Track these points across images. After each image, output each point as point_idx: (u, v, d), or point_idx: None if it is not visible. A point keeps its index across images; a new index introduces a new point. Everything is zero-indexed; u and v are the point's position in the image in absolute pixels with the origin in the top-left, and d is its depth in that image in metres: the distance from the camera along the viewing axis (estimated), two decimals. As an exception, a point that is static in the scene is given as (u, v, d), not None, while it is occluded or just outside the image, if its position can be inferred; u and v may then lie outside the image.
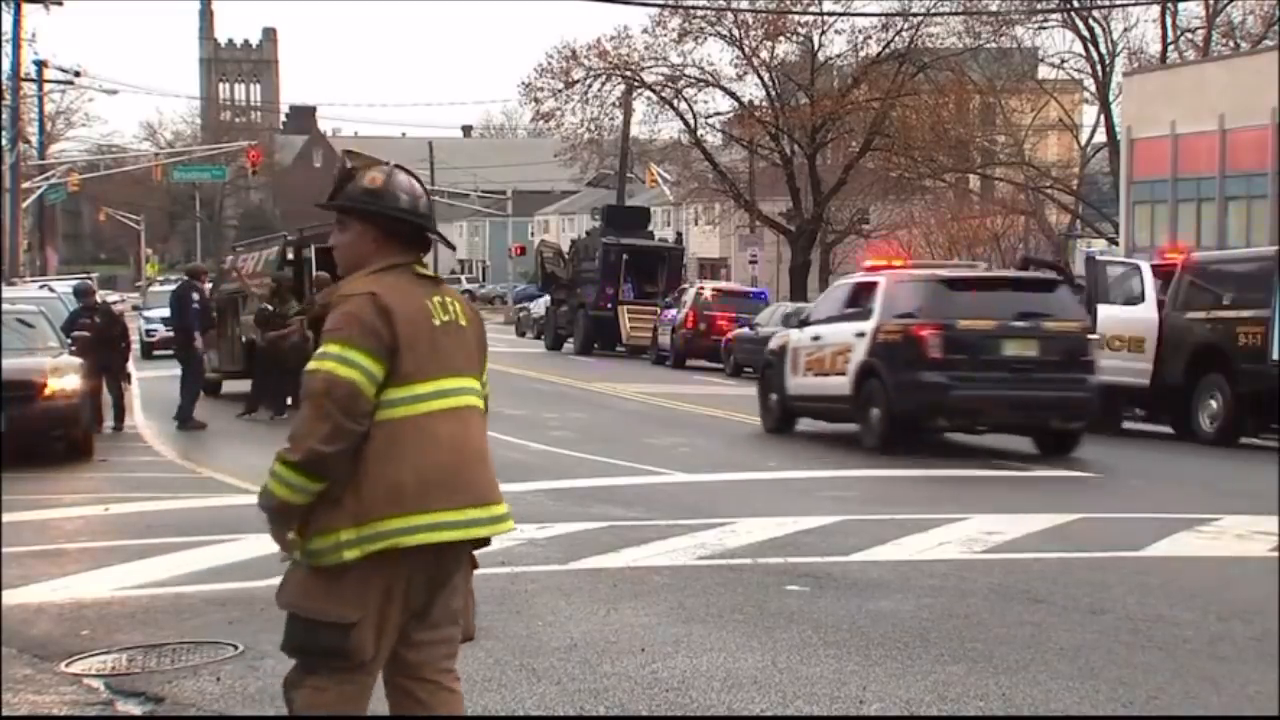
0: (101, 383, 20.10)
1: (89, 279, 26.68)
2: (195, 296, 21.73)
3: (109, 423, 20.37)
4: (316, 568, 4.48)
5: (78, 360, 17.56)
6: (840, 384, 18.39)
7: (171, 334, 24.29)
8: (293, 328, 22.08)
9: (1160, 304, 21.01)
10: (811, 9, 50.94)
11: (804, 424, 20.25)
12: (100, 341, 19.74)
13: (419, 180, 4.83)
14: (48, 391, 16.30)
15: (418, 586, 4.55)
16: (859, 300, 18.99)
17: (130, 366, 21.55)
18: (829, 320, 19.45)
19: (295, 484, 4.45)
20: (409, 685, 4.64)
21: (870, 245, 51.34)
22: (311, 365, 4.48)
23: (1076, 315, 18.26)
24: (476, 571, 4.80)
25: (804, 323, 20.44)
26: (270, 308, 22.43)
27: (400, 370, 4.50)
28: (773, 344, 21.30)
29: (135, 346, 40.30)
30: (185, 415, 20.62)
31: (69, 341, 18.49)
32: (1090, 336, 18.10)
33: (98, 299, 22.06)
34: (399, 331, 4.49)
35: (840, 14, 51.40)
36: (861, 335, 18.10)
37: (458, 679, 4.74)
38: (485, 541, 4.72)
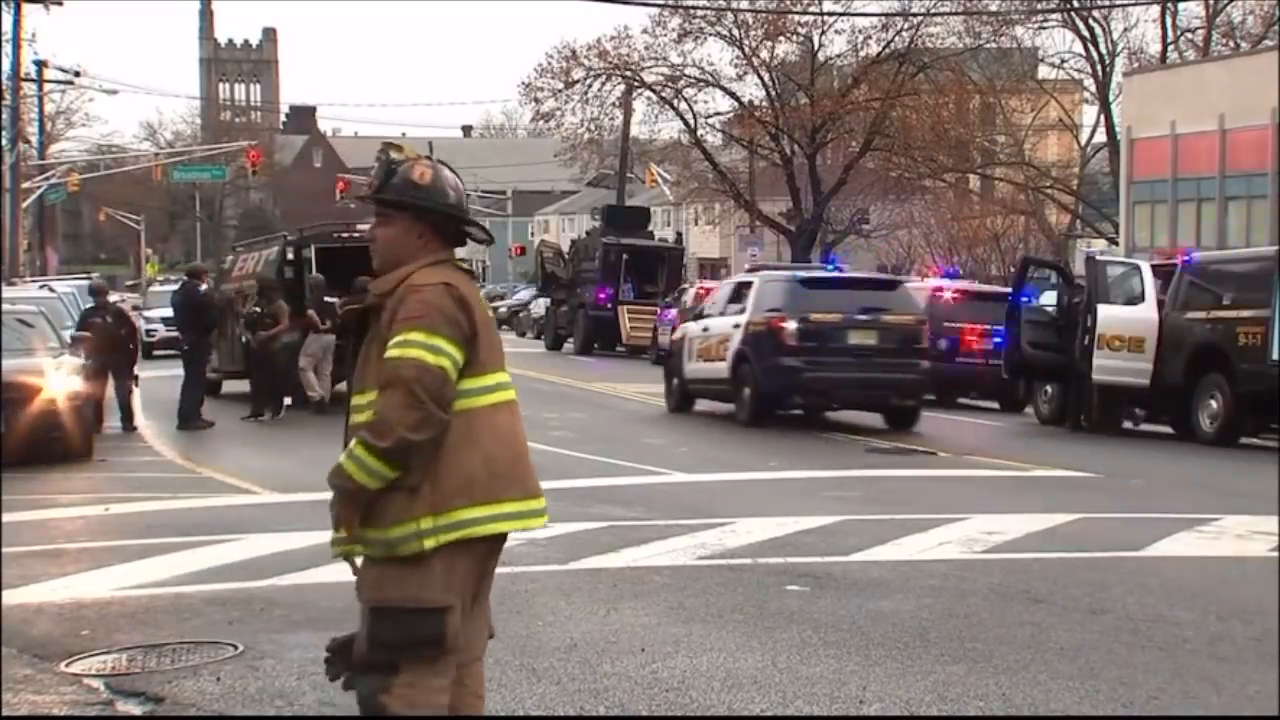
0: (107, 383, 20.10)
1: (98, 278, 26.54)
2: (197, 297, 21.73)
3: (115, 423, 20.36)
4: (395, 559, 4.44)
5: (78, 360, 17.55)
6: (722, 369, 21.27)
7: (174, 334, 24.31)
8: (282, 326, 22.08)
9: (1160, 304, 21.00)
10: (811, 9, 50.95)
11: (701, 404, 22.72)
12: (107, 342, 19.72)
13: (456, 174, 4.84)
14: (47, 392, 16.29)
15: (476, 576, 4.60)
16: (739, 297, 21.95)
17: (136, 369, 21.50)
18: (716, 315, 22.31)
19: (375, 470, 4.40)
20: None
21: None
22: (395, 352, 4.42)
23: (912, 310, 21.24)
24: None
25: (698, 316, 23.21)
26: (259, 309, 22.42)
27: (476, 360, 4.54)
28: (675, 334, 24.40)
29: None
30: (187, 416, 20.60)
31: (71, 340, 18.45)
32: (923, 327, 20.88)
33: (110, 298, 22.00)
34: (476, 321, 4.53)
35: (840, 14, 51.43)
36: (738, 327, 21.02)
37: (483, 681, 4.77)
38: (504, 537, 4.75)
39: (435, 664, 4.48)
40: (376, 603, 4.49)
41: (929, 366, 20.97)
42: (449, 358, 4.42)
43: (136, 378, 21.29)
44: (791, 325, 20.00)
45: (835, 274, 24.60)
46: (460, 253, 4.83)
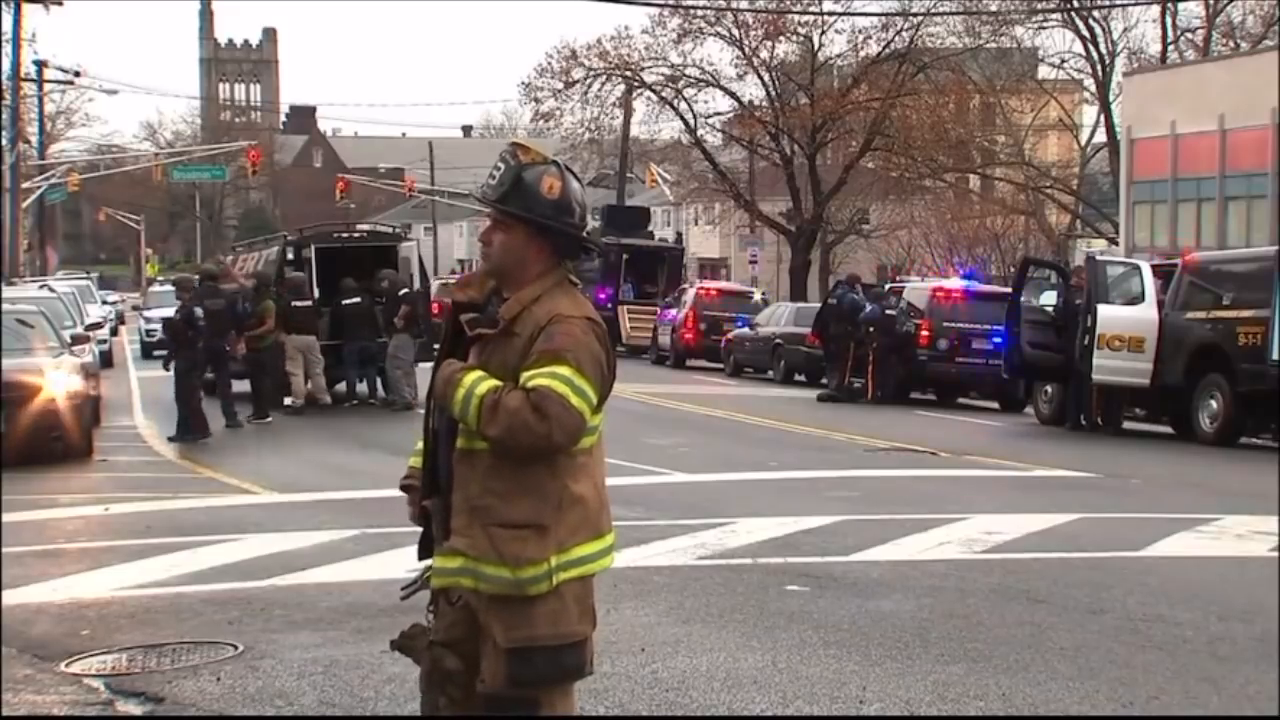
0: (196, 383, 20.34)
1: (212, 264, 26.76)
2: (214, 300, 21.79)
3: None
4: (534, 597, 4.32)
5: (77, 360, 17.55)
6: None
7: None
8: (266, 326, 22.06)
9: (1160, 304, 21.00)
10: (811, 9, 50.93)
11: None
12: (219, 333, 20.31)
13: (580, 181, 4.63)
14: (47, 392, 16.29)
15: (593, 606, 4.56)
16: None
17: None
18: None
19: (468, 417, 4.26)
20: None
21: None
22: (544, 382, 4.24)
23: None
24: None
25: None
26: (248, 307, 22.39)
27: (602, 397, 4.43)
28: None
29: (135, 346, 40.58)
30: (232, 412, 20.84)
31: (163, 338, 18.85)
32: None
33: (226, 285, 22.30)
34: (613, 361, 4.45)
35: (840, 14, 51.45)
36: None
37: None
38: None
39: (570, 686, 4.51)
40: (518, 643, 4.34)
41: None
42: (588, 401, 4.31)
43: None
44: None
45: None
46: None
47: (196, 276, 22.38)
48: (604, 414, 4.46)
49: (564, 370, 4.26)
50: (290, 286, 23.12)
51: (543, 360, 4.26)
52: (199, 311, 19.60)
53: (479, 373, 4.32)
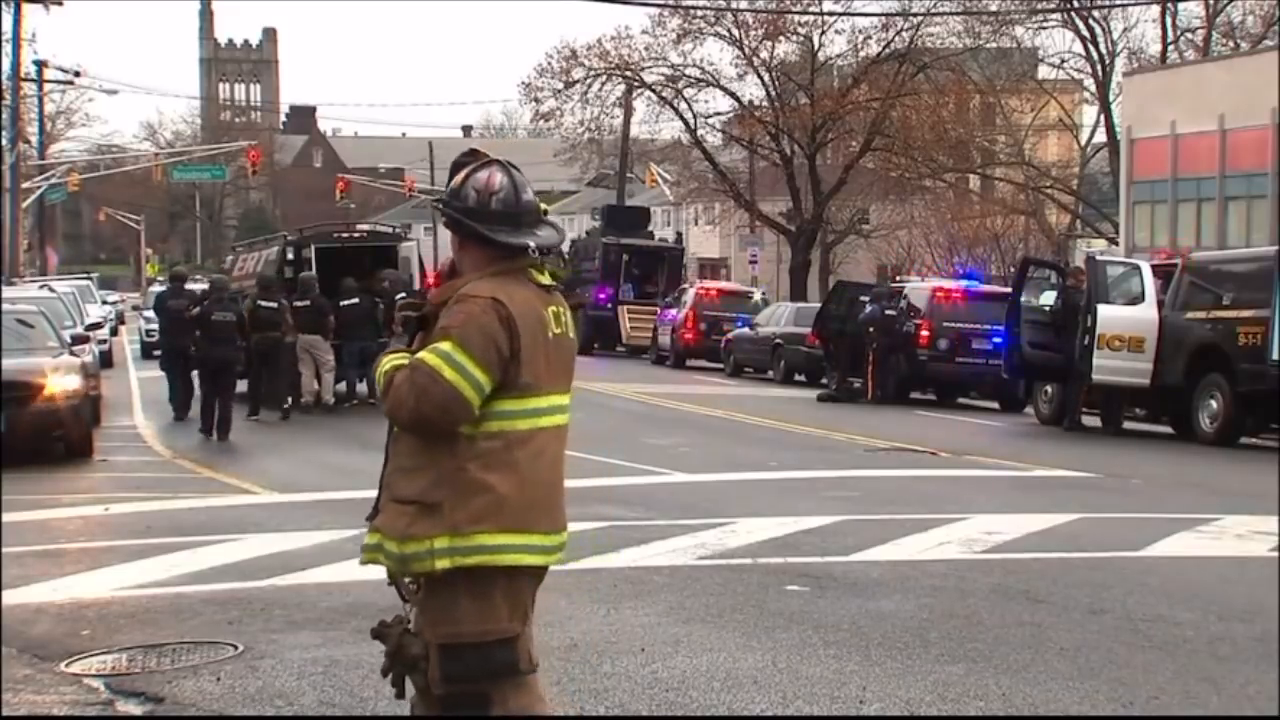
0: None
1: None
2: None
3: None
4: (460, 593, 4.33)
5: (77, 360, 17.54)
6: None
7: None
8: (287, 326, 22.07)
9: (1160, 304, 21.00)
10: (811, 9, 50.94)
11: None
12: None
13: (514, 174, 4.57)
14: (47, 392, 16.28)
15: (528, 603, 4.51)
16: None
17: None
18: None
19: (379, 395, 4.55)
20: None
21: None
22: (421, 354, 4.33)
23: None
24: None
25: None
26: (262, 306, 22.38)
27: (518, 382, 4.37)
28: None
29: (135, 346, 40.57)
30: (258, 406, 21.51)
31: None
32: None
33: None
34: (520, 343, 4.36)
35: (840, 14, 51.45)
36: None
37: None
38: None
39: (519, 679, 4.45)
40: (450, 640, 4.36)
41: None
42: (467, 377, 4.29)
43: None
44: None
45: None
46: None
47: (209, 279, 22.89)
48: (546, 402, 4.45)
49: (445, 345, 4.32)
50: (305, 286, 23.15)
51: (435, 337, 4.37)
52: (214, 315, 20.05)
53: (396, 354, 4.45)
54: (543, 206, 4.62)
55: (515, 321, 4.36)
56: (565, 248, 49.21)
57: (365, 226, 30.39)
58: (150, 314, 39.80)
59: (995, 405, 26.96)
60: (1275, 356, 18.83)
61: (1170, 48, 54.45)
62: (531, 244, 4.51)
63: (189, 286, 24.57)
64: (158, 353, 24.88)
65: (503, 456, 4.35)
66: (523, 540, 4.37)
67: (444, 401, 4.28)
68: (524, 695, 4.45)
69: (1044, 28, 55.75)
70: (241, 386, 21.61)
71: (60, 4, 48.56)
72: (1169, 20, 54.17)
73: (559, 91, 53.33)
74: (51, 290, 25.88)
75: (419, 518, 4.32)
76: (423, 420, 4.32)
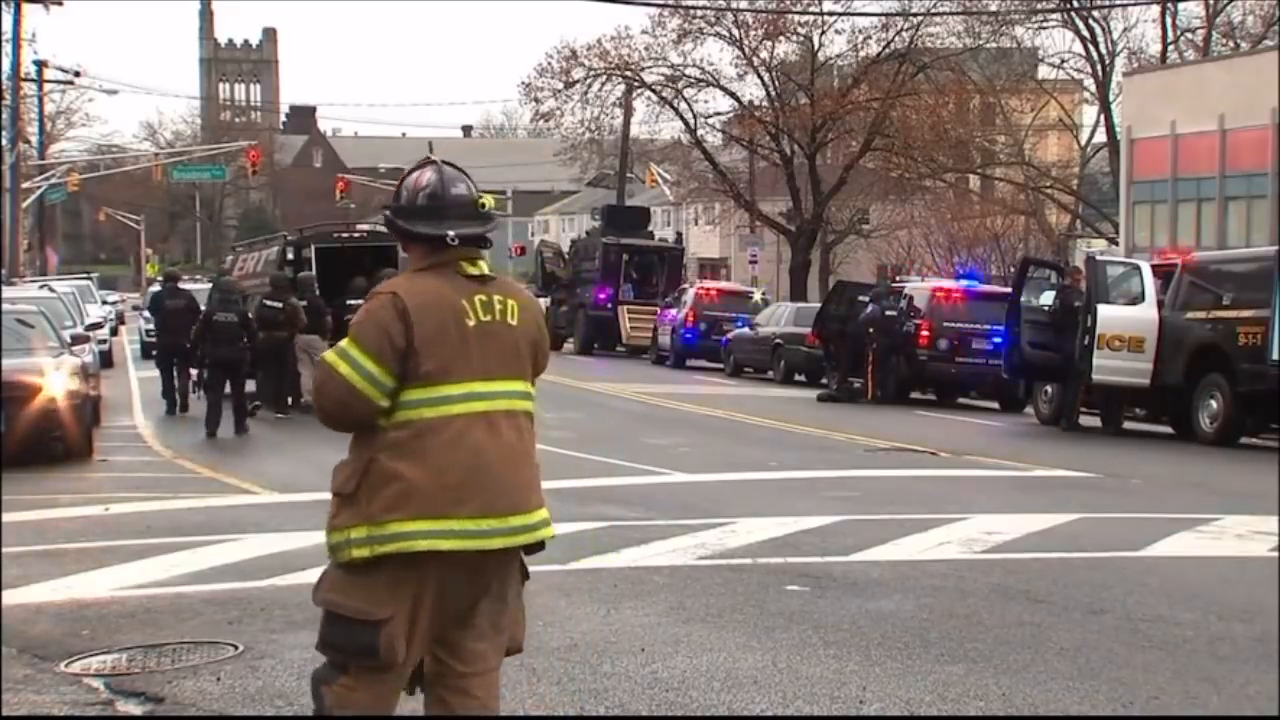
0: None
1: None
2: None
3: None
4: (349, 566, 4.44)
5: (77, 360, 17.54)
6: None
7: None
8: (297, 325, 22.06)
9: (1160, 304, 21.00)
10: (811, 9, 50.95)
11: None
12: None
13: (445, 171, 4.67)
14: (47, 392, 16.28)
15: (454, 592, 4.49)
16: None
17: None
18: None
19: None
20: (441, 694, 4.60)
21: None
22: (324, 353, 4.59)
23: None
24: None
25: None
26: (275, 305, 22.36)
27: (419, 372, 4.43)
28: None
29: (135, 346, 40.56)
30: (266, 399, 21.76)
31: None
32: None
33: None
34: (416, 333, 4.42)
35: (840, 14, 51.50)
36: None
37: (497, 694, 4.68)
38: (539, 546, 4.67)
39: (380, 674, 4.46)
40: (322, 604, 4.53)
41: None
42: (358, 370, 4.41)
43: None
44: None
45: None
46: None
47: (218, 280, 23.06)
48: (460, 389, 4.47)
49: (343, 341, 4.52)
50: (303, 285, 23.15)
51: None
52: (219, 317, 20.30)
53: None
54: (483, 201, 4.69)
55: (411, 313, 4.45)
56: (565, 248, 49.32)
57: (365, 226, 30.35)
58: (149, 314, 39.90)
59: (995, 405, 26.96)
60: (1275, 356, 18.83)
61: (1170, 48, 54.46)
62: (450, 234, 4.57)
63: (184, 286, 24.83)
64: (156, 352, 25.06)
65: (412, 445, 4.42)
66: (440, 526, 4.39)
67: (340, 395, 4.45)
68: (373, 688, 4.48)
69: (1044, 28, 55.82)
70: (250, 386, 21.61)
71: (60, 4, 48.62)
72: (1169, 20, 54.22)
73: (559, 91, 53.37)
74: (51, 290, 25.88)
75: (341, 509, 4.47)
76: (328, 415, 4.52)
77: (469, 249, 4.62)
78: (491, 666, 4.63)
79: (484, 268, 4.65)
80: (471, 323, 4.51)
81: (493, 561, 4.53)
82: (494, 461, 4.49)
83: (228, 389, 20.05)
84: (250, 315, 21.14)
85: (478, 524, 4.44)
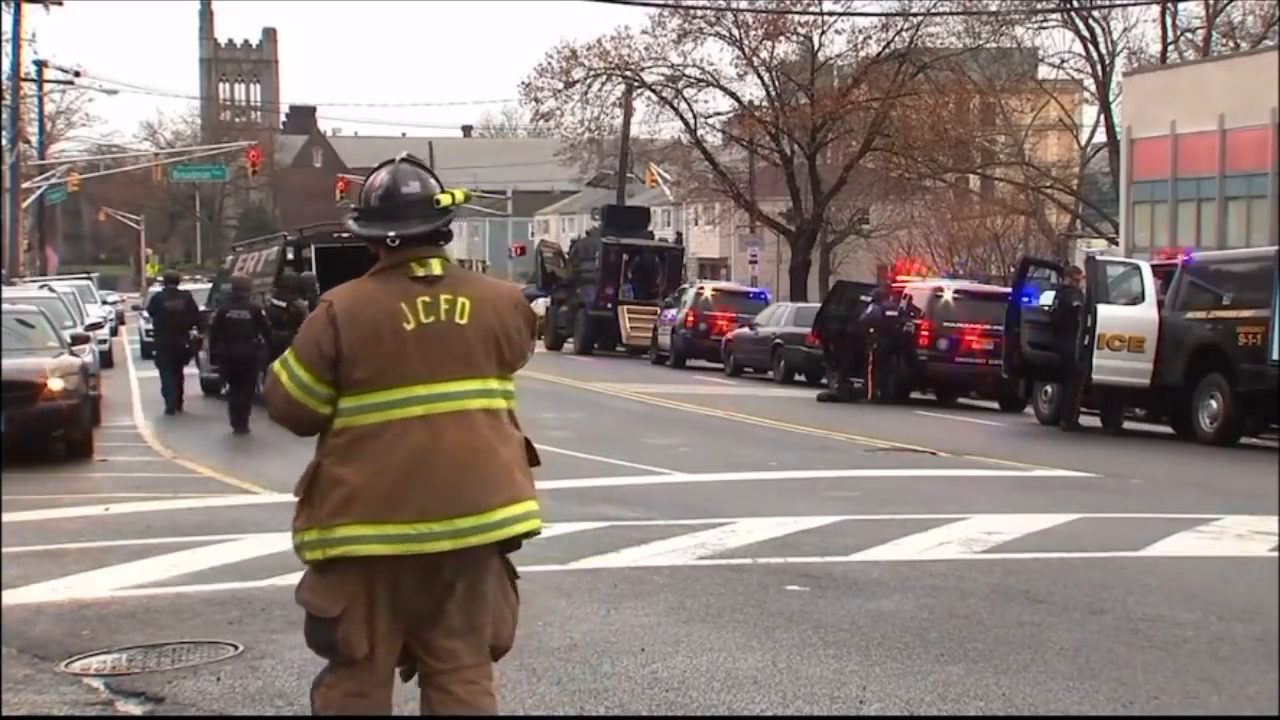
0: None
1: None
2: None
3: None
4: (313, 566, 4.57)
5: (77, 360, 17.54)
6: None
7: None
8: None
9: (1160, 304, 21.00)
10: (811, 9, 50.96)
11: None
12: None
13: (400, 170, 4.66)
14: (48, 391, 16.28)
15: (410, 591, 4.48)
16: None
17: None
18: None
19: None
20: (427, 692, 4.63)
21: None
22: (274, 362, 4.64)
23: None
24: None
25: None
26: (283, 304, 22.32)
27: (351, 378, 4.45)
28: None
29: (135, 346, 40.57)
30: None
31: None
32: None
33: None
34: (344, 341, 4.43)
35: (840, 14, 51.52)
36: None
37: (483, 691, 4.64)
38: (514, 544, 4.63)
39: (350, 669, 4.51)
40: (300, 603, 4.62)
41: None
42: (295, 379, 4.49)
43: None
44: None
45: None
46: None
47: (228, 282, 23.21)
48: (398, 395, 4.45)
49: (287, 350, 4.58)
50: (305, 285, 23.14)
51: None
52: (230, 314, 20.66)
53: None
54: (440, 198, 4.60)
55: (340, 320, 4.46)
56: (565, 248, 49.30)
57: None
58: (149, 314, 39.89)
59: (995, 405, 26.96)
60: (1275, 356, 18.83)
61: (1170, 48, 54.46)
62: (390, 234, 4.54)
63: (184, 287, 24.96)
64: (155, 352, 25.17)
65: (351, 451, 4.46)
66: (376, 531, 4.41)
67: (281, 404, 4.56)
68: (347, 683, 4.53)
69: (1044, 28, 55.84)
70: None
71: (60, 4, 48.62)
72: (1169, 20, 54.23)
73: (559, 91, 53.37)
74: (51, 290, 25.89)
75: (298, 513, 4.58)
76: (280, 421, 4.65)
77: (422, 248, 4.55)
78: (466, 664, 4.58)
79: (436, 267, 4.55)
80: (410, 326, 4.46)
81: (449, 562, 4.46)
82: (436, 465, 4.43)
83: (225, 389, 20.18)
84: (263, 312, 21.23)
85: (415, 528, 4.40)
